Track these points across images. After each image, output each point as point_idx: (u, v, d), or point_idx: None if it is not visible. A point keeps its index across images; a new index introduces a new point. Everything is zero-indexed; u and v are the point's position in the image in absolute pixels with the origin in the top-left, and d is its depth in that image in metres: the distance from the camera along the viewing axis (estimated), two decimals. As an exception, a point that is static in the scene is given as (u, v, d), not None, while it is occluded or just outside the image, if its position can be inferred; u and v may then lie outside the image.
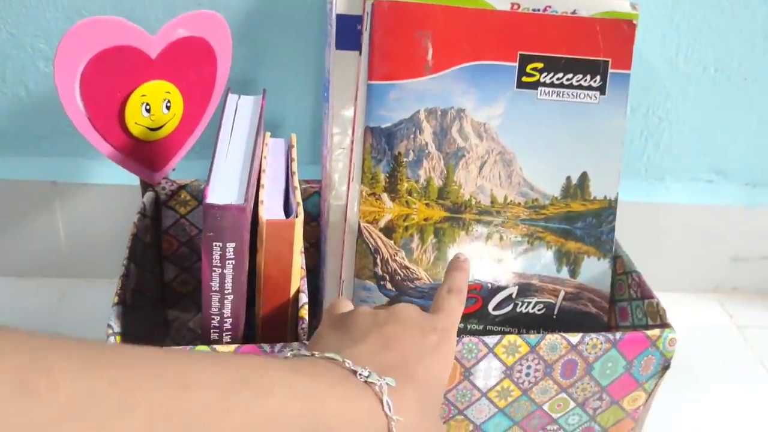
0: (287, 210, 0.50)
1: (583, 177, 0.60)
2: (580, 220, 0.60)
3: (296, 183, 0.52)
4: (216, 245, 0.44)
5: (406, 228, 0.59)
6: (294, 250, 0.48)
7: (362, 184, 0.59)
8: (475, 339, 0.49)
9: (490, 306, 0.60)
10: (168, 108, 0.57)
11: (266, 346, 0.47)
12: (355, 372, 0.37)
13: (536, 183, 0.60)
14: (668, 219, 0.78)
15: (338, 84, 0.58)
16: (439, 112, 0.59)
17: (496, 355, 0.50)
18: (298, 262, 0.50)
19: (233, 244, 0.44)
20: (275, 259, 0.48)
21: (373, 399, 0.37)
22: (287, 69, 0.70)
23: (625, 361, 0.52)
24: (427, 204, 0.59)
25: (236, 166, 0.47)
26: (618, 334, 0.51)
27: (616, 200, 0.60)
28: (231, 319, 0.47)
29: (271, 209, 0.49)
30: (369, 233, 0.59)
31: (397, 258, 0.60)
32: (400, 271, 0.60)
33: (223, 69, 0.61)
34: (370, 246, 0.59)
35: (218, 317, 0.47)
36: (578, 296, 0.60)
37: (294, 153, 0.57)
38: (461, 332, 0.59)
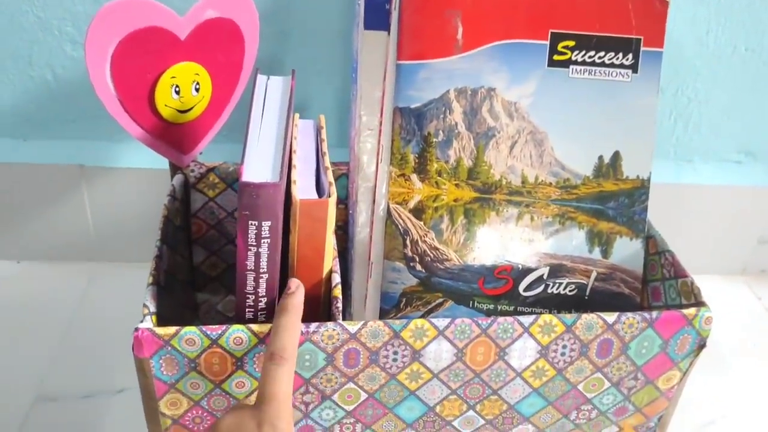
0: (319, 190, 0.50)
1: (616, 156, 0.59)
2: (612, 199, 0.59)
3: (327, 163, 0.52)
4: (252, 224, 0.44)
5: (436, 209, 0.59)
6: (327, 229, 0.48)
7: (391, 164, 0.59)
8: (510, 319, 0.49)
9: (521, 287, 0.59)
10: (197, 90, 0.57)
11: (302, 326, 0.47)
12: None
13: (568, 163, 0.59)
14: (696, 201, 0.77)
15: (367, 64, 0.58)
16: (469, 92, 0.58)
17: (531, 335, 0.49)
18: (331, 242, 0.49)
19: (268, 223, 0.44)
20: (308, 239, 0.48)
21: None
22: (315, 50, 0.69)
23: (661, 340, 0.51)
24: (456, 184, 0.59)
25: (269, 146, 0.47)
26: (654, 313, 0.50)
27: (648, 179, 0.59)
28: (266, 298, 0.47)
29: (303, 189, 0.49)
30: (398, 214, 0.59)
31: (426, 239, 0.59)
32: (429, 252, 0.59)
33: (251, 51, 0.60)
34: (400, 227, 0.59)
35: (253, 296, 0.47)
36: (610, 277, 0.60)
37: (323, 133, 0.57)
38: (492, 313, 0.59)
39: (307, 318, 0.49)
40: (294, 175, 0.49)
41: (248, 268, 0.45)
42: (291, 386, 0.43)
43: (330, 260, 0.50)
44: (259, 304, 0.47)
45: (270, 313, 0.48)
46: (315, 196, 0.48)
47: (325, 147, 0.54)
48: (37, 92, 0.71)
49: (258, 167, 0.45)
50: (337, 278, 0.51)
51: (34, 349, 0.68)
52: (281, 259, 0.48)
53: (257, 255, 0.45)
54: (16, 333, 0.70)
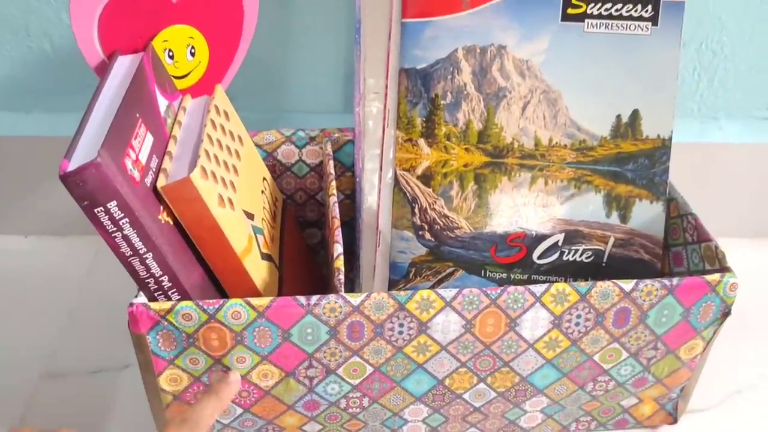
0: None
1: (635, 115, 0.56)
2: (631, 161, 0.56)
3: (209, 137, 0.48)
4: (98, 211, 0.41)
5: (445, 175, 0.57)
6: (209, 205, 0.45)
7: (398, 129, 0.56)
8: (521, 288, 0.47)
9: (535, 254, 0.57)
10: (192, 54, 0.55)
11: (302, 299, 0.45)
12: None
13: (583, 123, 0.56)
14: (722, 160, 0.74)
15: (370, 24, 0.55)
16: (478, 50, 0.55)
17: (543, 305, 0.47)
18: (230, 214, 0.47)
19: (113, 203, 0.40)
20: (196, 221, 0.45)
21: None
22: (316, 9, 0.67)
23: (683, 308, 0.49)
24: (466, 149, 0.56)
25: (96, 131, 0.43)
26: (675, 280, 0.48)
27: (670, 139, 0.56)
28: (166, 276, 0.44)
29: (174, 173, 0.45)
30: (406, 181, 0.57)
31: (435, 206, 0.57)
32: (439, 220, 0.57)
33: (251, 13, 0.58)
34: (408, 195, 0.57)
35: (152, 279, 0.44)
36: (629, 242, 0.57)
37: (217, 105, 0.52)
38: (505, 282, 0.57)
39: (236, 293, 0.48)
40: (166, 164, 0.46)
41: (127, 255, 0.43)
42: None
43: (241, 236, 0.48)
44: (163, 283, 0.45)
45: (181, 289, 0.45)
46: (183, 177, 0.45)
47: (215, 119, 0.51)
48: (37, 63, 0.69)
49: (78, 155, 0.41)
50: (339, 249, 0.49)
51: (42, 324, 0.67)
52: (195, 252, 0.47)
53: (126, 238, 0.42)
54: (24, 308, 0.69)
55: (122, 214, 0.41)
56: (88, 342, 0.66)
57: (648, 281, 0.47)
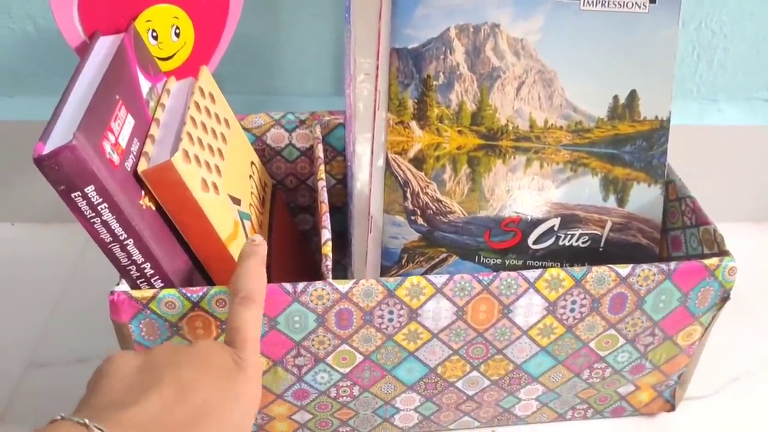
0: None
1: (632, 96, 0.54)
2: (628, 143, 0.55)
3: (192, 119, 0.47)
4: (75, 196, 0.39)
5: (438, 158, 0.55)
6: (192, 189, 0.43)
7: (389, 111, 0.55)
8: (514, 274, 0.45)
9: (530, 239, 0.56)
10: (177, 35, 0.53)
11: (288, 286, 0.44)
12: None
13: (580, 104, 0.55)
14: (722, 143, 0.72)
15: (360, 2, 0.53)
16: (471, 29, 0.54)
17: (537, 291, 0.46)
18: (214, 201, 0.45)
19: (91, 187, 0.39)
20: (180, 206, 0.44)
21: None
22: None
23: (680, 293, 0.47)
24: (459, 131, 0.55)
25: (72, 114, 0.42)
26: (672, 264, 0.46)
27: (668, 120, 0.54)
28: (148, 263, 0.43)
29: (156, 157, 0.44)
30: (398, 165, 0.55)
31: (428, 191, 0.56)
32: (432, 205, 0.56)
33: (237, -8, 0.56)
34: (399, 179, 0.55)
35: (134, 266, 0.43)
36: (627, 226, 0.56)
37: (199, 88, 0.51)
38: (500, 268, 0.55)
39: (222, 281, 0.46)
40: (148, 147, 0.44)
41: (107, 241, 0.41)
42: (260, 331, 0.41)
43: (226, 221, 0.46)
44: (146, 271, 0.43)
45: (164, 277, 0.44)
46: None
47: (200, 101, 0.49)
48: (20, 46, 0.68)
49: (54, 138, 0.40)
50: (326, 234, 0.48)
51: (28, 313, 0.66)
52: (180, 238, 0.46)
53: (105, 224, 0.41)
54: (10, 296, 0.68)
55: (100, 199, 0.40)
56: (75, 331, 0.64)
57: (645, 266, 0.46)
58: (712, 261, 0.47)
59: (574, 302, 0.47)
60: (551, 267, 0.52)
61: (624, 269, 0.46)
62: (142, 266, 0.43)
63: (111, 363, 0.36)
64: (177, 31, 0.53)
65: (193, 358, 0.36)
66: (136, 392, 0.34)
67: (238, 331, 0.39)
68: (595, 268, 0.46)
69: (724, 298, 0.48)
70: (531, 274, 0.46)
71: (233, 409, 0.36)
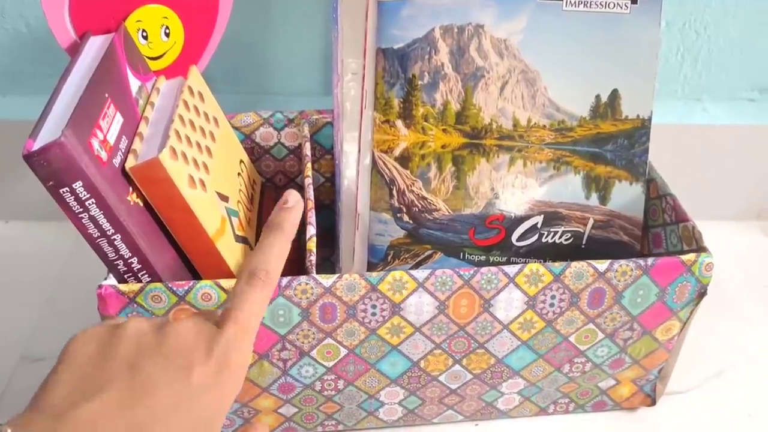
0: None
1: (614, 95, 0.55)
2: (610, 141, 0.56)
3: (180, 117, 0.48)
4: (64, 191, 0.40)
5: (423, 156, 0.56)
6: (179, 186, 0.44)
7: (375, 110, 0.56)
8: (494, 269, 0.46)
9: (514, 237, 0.57)
10: (167, 35, 0.54)
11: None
12: None
13: (562, 103, 0.55)
14: (706, 142, 0.73)
15: (347, 3, 0.54)
16: (456, 29, 0.54)
17: (517, 285, 0.47)
18: (202, 197, 0.46)
19: (79, 183, 0.40)
20: (167, 203, 0.45)
21: None
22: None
23: (658, 288, 0.48)
24: (444, 130, 0.56)
25: (62, 111, 0.42)
26: (650, 260, 0.47)
27: (649, 119, 0.55)
28: (136, 258, 0.44)
29: (144, 155, 0.45)
30: (384, 163, 0.56)
31: (413, 188, 0.56)
32: (417, 203, 0.57)
33: (226, -8, 0.57)
34: (386, 176, 0.56)
35: (121, 261, 0.44)
36: (609, 224, 0.57)
37: (188, 86, 0.52)
38: (483, 264, 0.56)
39: (209, 276, 0.47)
40: (136, 144, 0.45)
41: (94, 236, 0.42)
42: (262, 315, 0.37)
43: (213, 218, 0.47)
44: (133, 265, 0.44)
45: (151, 271, 0.45)
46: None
47: (188, 99, 0.50)
48: (13, 45, 0.68)
49: (44, 135, 0.40)
50: (311, 230, 0.49)
51: (21, 309, 0.67)
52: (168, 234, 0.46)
53: (93, 219, 0.41)
54: (4, 292, 0.69)
55: (88, 195, 0.41)
56: (67, 326, 0.65)
57: (622, 261, 0.47)
58: (689, 257, 0.48)
59: (553, 297, 0.48)
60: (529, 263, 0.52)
61: (602, 264, 0.47)
62: (129, 261, 0.44)
63: (74, 343, 0.34)
64: (167, 30, 0.54)
65: (160, 346, 0.33)
66: (85, 389, 0.32)
67: (230, 313, 0.35)
68: (573, 264, 0.47)
69: (702, 294, 0.49)
70: (511, 269, 0.46)
71: (192, 409, 0.32)
